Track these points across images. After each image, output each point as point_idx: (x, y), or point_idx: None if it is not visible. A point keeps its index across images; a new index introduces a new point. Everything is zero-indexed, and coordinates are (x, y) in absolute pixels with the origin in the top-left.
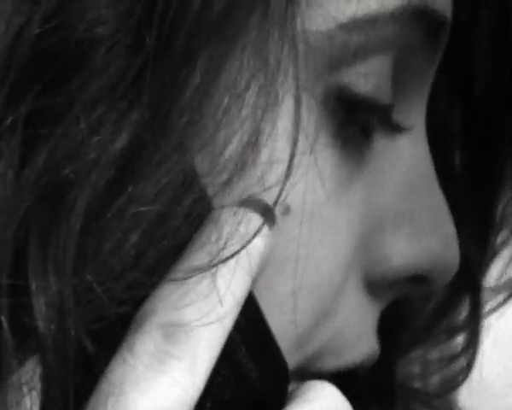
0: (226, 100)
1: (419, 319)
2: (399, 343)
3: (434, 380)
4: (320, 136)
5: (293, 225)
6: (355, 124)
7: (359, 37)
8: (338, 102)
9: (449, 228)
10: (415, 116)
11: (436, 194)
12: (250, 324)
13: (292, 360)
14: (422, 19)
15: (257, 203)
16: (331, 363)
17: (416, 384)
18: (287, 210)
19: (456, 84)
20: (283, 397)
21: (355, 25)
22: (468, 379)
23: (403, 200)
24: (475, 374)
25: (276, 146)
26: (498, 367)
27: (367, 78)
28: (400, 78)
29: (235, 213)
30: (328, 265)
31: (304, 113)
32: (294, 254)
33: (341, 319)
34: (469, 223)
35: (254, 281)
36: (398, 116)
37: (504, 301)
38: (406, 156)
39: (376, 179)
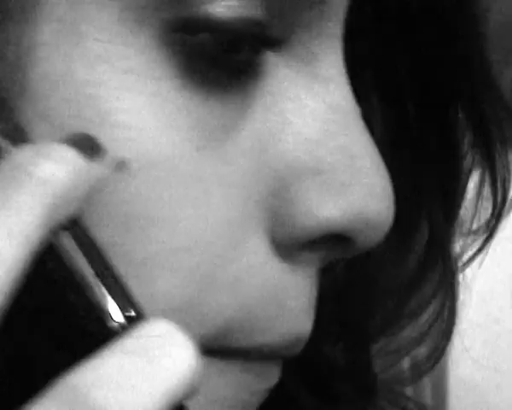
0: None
1: (390, 297)
2: (373, 327)
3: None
4: (169, 77)
5: (140, 180)
6: (225, 61)
7: None
8: (194, 36)
9: (374, 177)
10: (323, 57)
11: (358, 140)
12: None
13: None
14: None
15: (68, 137)
16: (241, 342)
17: (393, 369)
18: (122, 164)
19: (401, 34)
20: None
21: None
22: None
23: (311, 148)
24: (463, 373)
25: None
26: (485, 367)
27: (229, 6)
28: (289, 12)
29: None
30: (204, 226)
31: (133, 51)
32: (147, 212)
33: (250, 292)
34: (428, 180)
35: (57, 218)
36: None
37: (481, 248)
38: (313, 102)
39: (271, 127)
